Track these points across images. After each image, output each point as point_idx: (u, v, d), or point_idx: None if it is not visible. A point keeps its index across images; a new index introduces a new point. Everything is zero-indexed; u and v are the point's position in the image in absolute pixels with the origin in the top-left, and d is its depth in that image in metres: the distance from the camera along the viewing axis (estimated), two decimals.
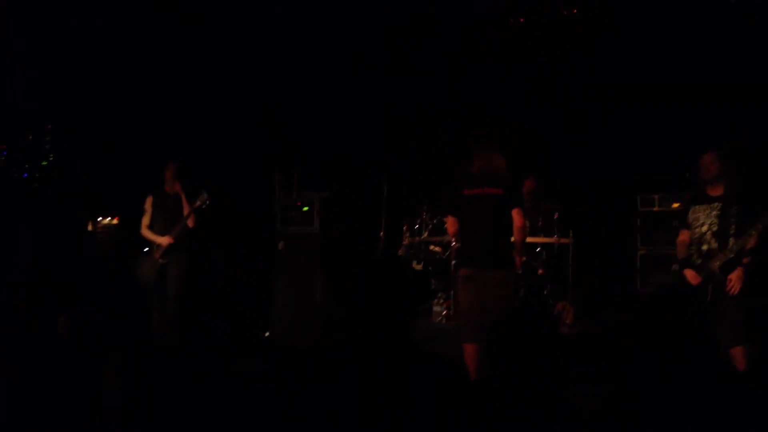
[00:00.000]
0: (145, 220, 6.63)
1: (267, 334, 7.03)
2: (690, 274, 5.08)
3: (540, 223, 7.10)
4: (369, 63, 7.73)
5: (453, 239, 6.82)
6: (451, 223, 5.39)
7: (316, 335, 6.81)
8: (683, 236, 5.31)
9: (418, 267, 7.30)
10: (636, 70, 7.20)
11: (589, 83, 7.50)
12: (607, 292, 7.47)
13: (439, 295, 6.84)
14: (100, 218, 7.73)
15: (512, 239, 5.24)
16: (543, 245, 7.07)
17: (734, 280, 4.88)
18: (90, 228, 7.59)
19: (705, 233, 5.09)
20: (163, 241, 6.45)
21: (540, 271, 6.79)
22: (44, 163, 7.89)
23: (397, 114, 7.99)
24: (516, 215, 5.20)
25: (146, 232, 6.61)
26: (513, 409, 3.34)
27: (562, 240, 7.00)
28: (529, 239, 7.04)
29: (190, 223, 6.50)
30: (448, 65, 7.73)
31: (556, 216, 6.99)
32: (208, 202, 6.49)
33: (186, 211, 6.53)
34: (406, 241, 7.41)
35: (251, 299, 7.55)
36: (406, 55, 7.65)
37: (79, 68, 7.44)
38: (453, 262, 6.84)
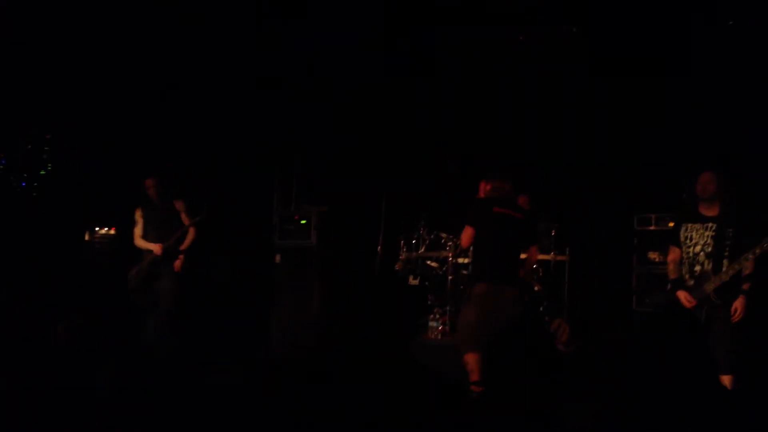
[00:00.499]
0: (138, 231, 6.58)
1: None
2: (683, 296, 4.98)
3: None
4: (367, 79, 7.76)
5: (451, 254, 6.85)
6: (468, 235, 5.47)
7: (312, 348, 6.80)
8: (674, 254, 5.19)
9: (415, 282, 7.31)
10: (635, 87, 7.22)
11: (586, 99, 7.54)
12: (603, 310, 7.48)
13: (435, 310, 6.84)
14: (98, 228, 7.73)
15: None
16: (539, 262, 7.08)
17: (739, 309, 4.79)
18: (87, 237, 7.59)
19: (698, 254, 5.00)
20: (156, 248, 6.40)
21: (536, 288, 6.80)
22: (43, 172, 7.90)
23: (395, 128, 8.01)
24: (535, 251, 5.77)
25: (140, 242, 6.56)
26: (508, 426, 3.35)
27: (559, 257, 7.02)
28: (525, 256, 7.08)
29: (188, 237, 6.47)
30: (444, 80, 7.77)
31: (552, 233, 7.01)
32: (208, 217, 6.45)
33: (190, 230, 6.51)
34: (403, 256, 7.41)
35: (248, 312, 7.54)
36: (403, 71, 7.68)
37: (78, 77, 7.46)
38: (450, 277, 6.86)
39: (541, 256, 7.01)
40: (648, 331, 6.21)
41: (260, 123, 8.02)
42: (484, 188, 5.61)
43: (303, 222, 7.46)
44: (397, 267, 7.37)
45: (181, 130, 7.89)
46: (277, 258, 7.56)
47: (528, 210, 5.86)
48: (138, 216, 6.60)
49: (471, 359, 5.16)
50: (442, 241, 7.16)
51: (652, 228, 7.38)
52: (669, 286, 5.19)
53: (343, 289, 7.40)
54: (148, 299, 6.40)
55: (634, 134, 7.39)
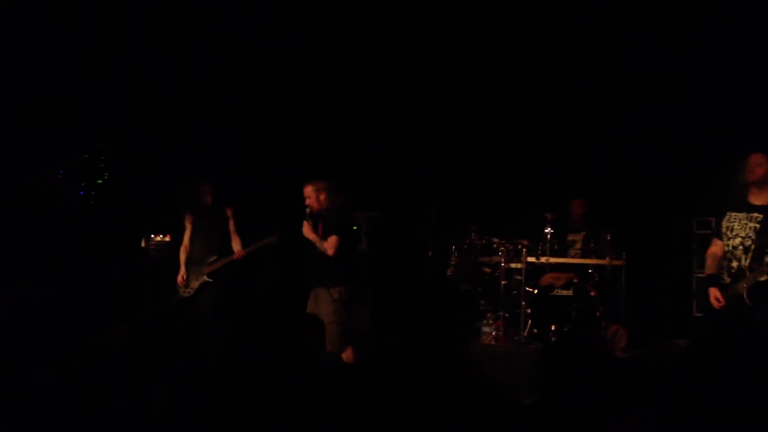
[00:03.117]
0: (187, 237, 6.59)
1: None
2: (713, 294, 4.50)
3: (591, 244, 6.99)
4: (416, 86, 7.74)
5: (503, 260, 6.80)
6: (336, 243, 5.75)
7: (365, 354, 6.77)
8: (714, 247, 4.70)
9: (467, 288, 7.24)
10: (696, 90, 7.03)
11: (644, 102, 7.37)
12: (662, 315, 7.29)
13: (488, 315, 6.76)
14: (153, 235, 7.84)
15: None
16: (595, 267, 6.94)
17: None
18: (143, 244, 7.70)
19: (737, 247, 4.49)
20: (180, 275, 6.45)
21: (592, 293, 6.65)
22: (100, 181, 8.06)
23: (445, 134, 7.97)
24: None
25: (182, 255, 6.56)
26: None
27: (615, 262, 6.85)
28: (580, 261, 6.95)
29: (237, 255, 6.41)
30: (492, 88, 7.71)
31: (608, 237, 6.85)
32: (274, 242, 6.41)
33: (234, 235, 6.50)
34: (454, 262, 7.35)
35: (300, 318, 7.54)
36: (451, 78, 7.64)
37: (133, 87, 7.60)
38: (503, 282, 6.78)
39: (596, 261, 6.88)
40: (709, 337, 6.01)
41: (309, 130, 8.05)
42: (328, 196, 5.86)
43: (354, 228, 7.46)
44: (448, 272, 7.32)
45: (232, 138, 7.98)
46: None
47: None
48: (188, 222, 6.62)
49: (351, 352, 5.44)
50: (495, 246, 7.09)
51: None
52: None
53: (394, 294, 7.36)
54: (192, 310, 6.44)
55: (693, 134, 7.18)
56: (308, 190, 5.89)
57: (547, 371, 4.32)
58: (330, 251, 5.75)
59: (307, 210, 5.86)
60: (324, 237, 5.79)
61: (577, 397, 3.69)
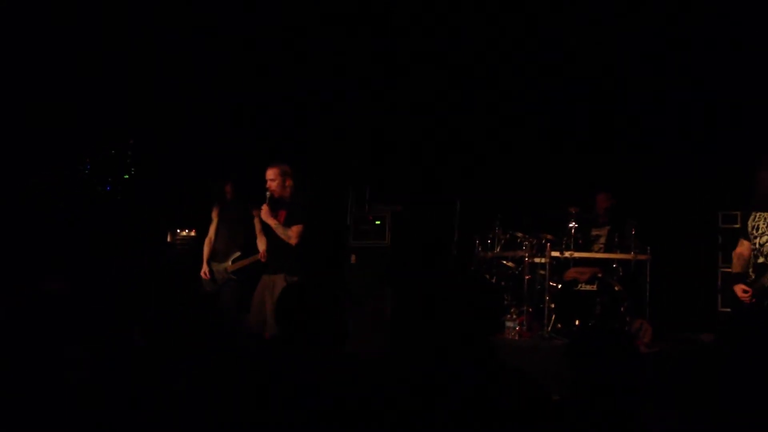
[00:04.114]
0: (212, 229, 6.67)
1: None
2: (739, 289, 4.52)
3: (616, 239, 6.96)
4: (440, 81, 7.73)
5: (527, 254, 6.77)
6: (300, 234, 5.61)
7: (387, 348, 6.80)
8: (741, 248, 4.72)
9: (491, 282, 7.23)
10: (722, 84, 6.97)
11: (669, 95, 7.32)
12: (687, 310, 7.25)
13: (512, 310, 6.76)
14: (179, 230, 7.91)
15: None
16: (619, 261, 6.92)
17: None
18: (169, 239, 7.77)
19: (764, 245, 4.49)
20: (203, 270, 6.53)
21: (617, 288, 6.63)
22: (126, 176, 8.13)
23: (470, 129, 7.96)
24: None
25: (206, 248, 6.62)
26: (588, 429, 3.26)
27: (640, 256, 6.83)
28: (605, 255, 6.93)
29: (262, 256, 6.38)
30: (521, 79, 7.67)
31: (633, 231, 6.82)
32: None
33: (260, 235, 6.50)
34: (478, 256, 7.35)
35: (321, 312, 7.57)
36: (477, 72, 7.62)
37: (158, 82, 7.66)
38: (527, 277, 6.76)
39: (621, 256, 6.85)
40: (734, 332, 5.97)
41: (335, 124, 8.07)
42: (294, 182, 5.76)
43: (377, 222, 7.47)
44: (472, 267, 7.32)
45: (256, 132, 8.02)
46: (353, 258, 7.59)
47: None
48: (215, 214, 6.71)
49: None
50: (518, 240, 7.08)
51: (737, 226, 7.08)
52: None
53: (417, 288, 7.37)
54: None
55: (718, 127, 7.13)
56: (272, 173, 5.69)
57: (575, 367, 4.31)
58: (293, 240, 5.59)
59: (268, 194, 5.68)
60: (287, 224, 5.63)
61: (606, 392, 3.69)
